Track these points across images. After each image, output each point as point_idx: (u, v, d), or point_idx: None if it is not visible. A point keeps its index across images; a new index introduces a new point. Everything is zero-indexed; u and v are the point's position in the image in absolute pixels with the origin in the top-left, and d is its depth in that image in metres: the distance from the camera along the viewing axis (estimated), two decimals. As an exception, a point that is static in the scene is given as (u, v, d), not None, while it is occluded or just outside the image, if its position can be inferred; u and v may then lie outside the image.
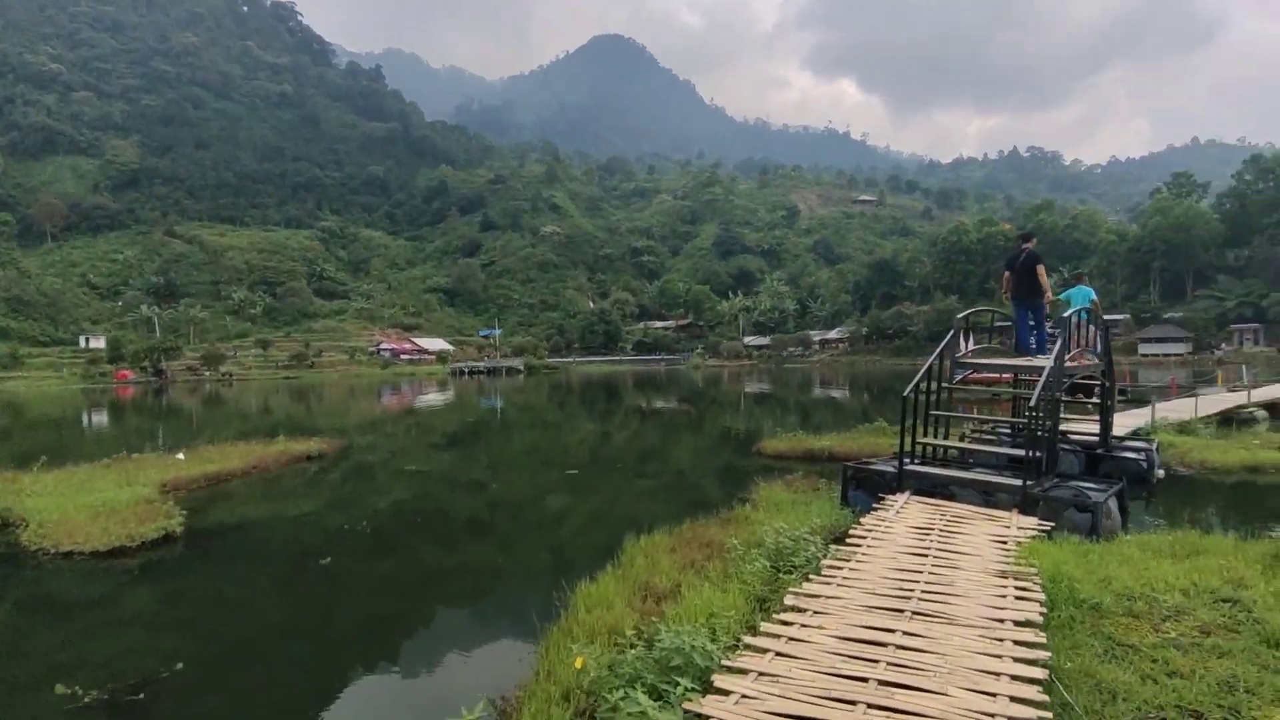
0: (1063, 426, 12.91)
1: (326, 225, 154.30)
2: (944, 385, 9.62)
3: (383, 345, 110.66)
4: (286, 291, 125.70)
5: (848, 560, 5.82)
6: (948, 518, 7.14)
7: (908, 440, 8.57)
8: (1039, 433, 7.68)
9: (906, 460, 8.53)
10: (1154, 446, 11.78)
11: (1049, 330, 10.08)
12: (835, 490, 9.05)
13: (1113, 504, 7.34)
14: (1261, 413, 19.50)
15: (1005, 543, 6.33)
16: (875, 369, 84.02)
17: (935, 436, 9.65)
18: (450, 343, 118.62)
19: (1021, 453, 8.07)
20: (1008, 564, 5.66)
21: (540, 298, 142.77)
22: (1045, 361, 8.79)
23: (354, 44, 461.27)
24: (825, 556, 5.94)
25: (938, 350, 9.37)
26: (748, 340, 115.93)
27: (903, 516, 7.26)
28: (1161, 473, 11.13)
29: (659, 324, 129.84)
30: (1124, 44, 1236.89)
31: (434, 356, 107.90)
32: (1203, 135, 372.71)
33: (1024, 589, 5.08)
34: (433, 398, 48.42)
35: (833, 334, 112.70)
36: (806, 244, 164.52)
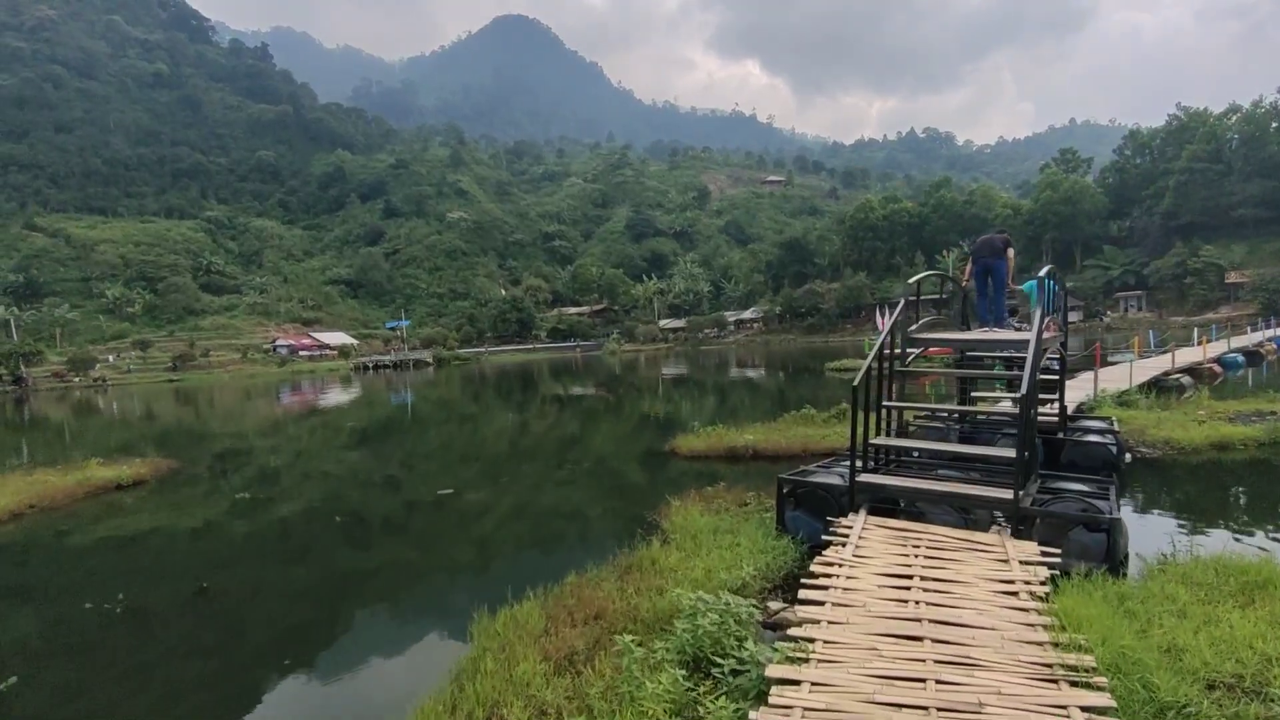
0: (1001, 406, 11.50)
1: (213, 215, 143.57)
2: (899, 370, 7.83)
3: (279, 342, 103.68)
4: (169, 287, 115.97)
5: (805, 659, 3.83)
6: (924, 552, 5.30)
7: (862, 442, 6.74)
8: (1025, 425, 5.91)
9: (859, 468, 6.75)
10: (1115, 426, 10.44)
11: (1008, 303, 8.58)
12: (768, 507, 7.10)
13: (1123, 517, 5.67)
14: (1187, 379, 18.94)
15: (1015, 593, 4.51)
16: (790, 348, 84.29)
17: (888, 433, 7.93)
18: (354, 336, 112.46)
19: (1006, 452, 6.30)
20: (1042, 643, 3.80)
21: (449, 286, 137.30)
22: (1019, 333, 7.15)
23: (237, 21, 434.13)
24: (772, 661, 3.86)
25: (888, 325, 7.56)
26: (663, 323, 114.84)
27: (865, 554, 5.38)
28: (1128, 456, 9.76)
29: (574, 310, 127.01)
30: (1006, 29, 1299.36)
31: (336, 352, 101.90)
32: (1079, 117, 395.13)
33: (1088, 702, 3.19)
34: (337, 396, 45.69)
35: (747, 314, 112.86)
36: (718, 225, 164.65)
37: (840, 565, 5.12)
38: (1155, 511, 7.84)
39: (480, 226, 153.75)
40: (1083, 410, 12.41)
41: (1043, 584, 4.68)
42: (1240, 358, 25.04)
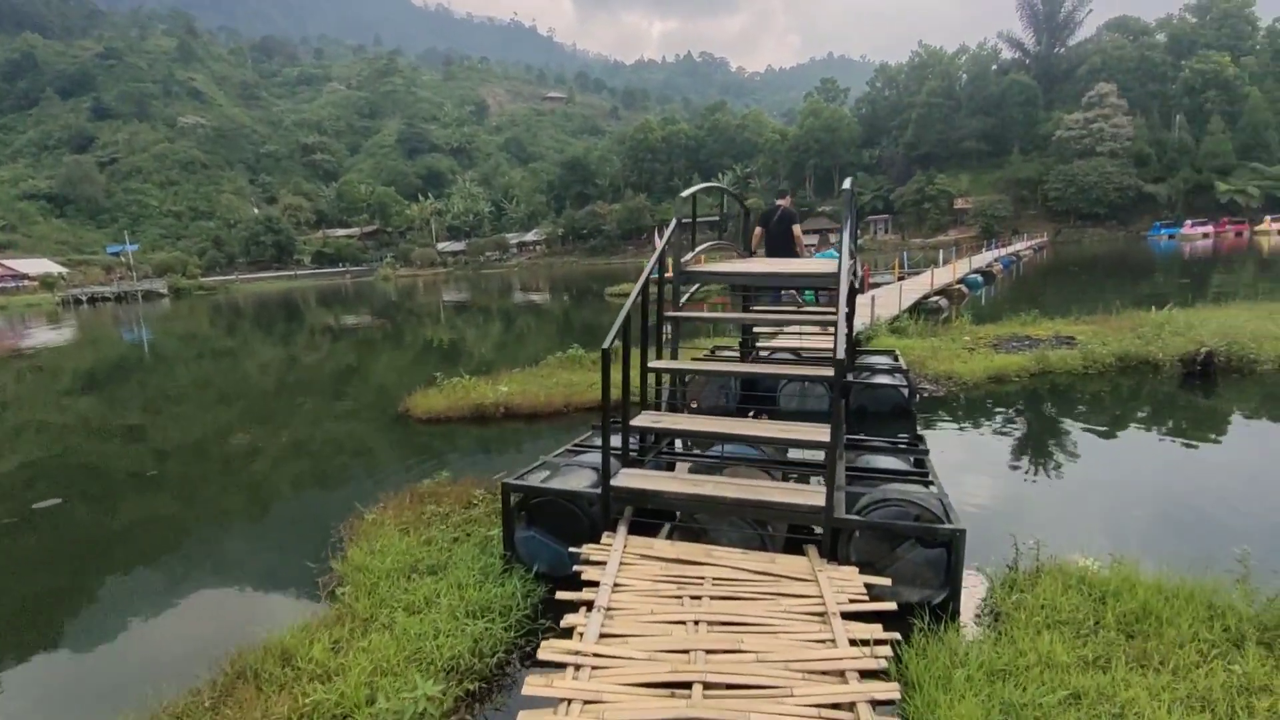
0: (776, 342, 10.43)
1: None
2: (669, 315, 6.04)
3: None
4: None
5: None
6: (706, 611, 3.54)
7: (624, 428, 4.94)
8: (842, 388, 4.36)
9: (619, 469, 4.89)
10: (901, 362, 9.66)
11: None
12: (498, 517, 5.06)
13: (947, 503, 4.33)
14: (943, 300, 19.57)
15: (841, 674, 2.92)
16: (573, 270, 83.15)
17: (658, 403, 6.19)
18: (63, 264, 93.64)
19: (810, 431, 4.70)
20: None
21: (189, 204, 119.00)
22: (822, 263, 5.68)
23: None
24: None
25: (655, 256, 5.67)
26: (442, 246, 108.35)
27: (624, 604, 3.55)
28: (917, 397, 8.97)
29: (341, 232, 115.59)
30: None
31: (37, 283, 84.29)
32: (836, 51, 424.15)
33: None
34: (46, 335, 37.67)
35: (530, 236, 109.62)
36: (498, 142, 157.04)
37: (584, 635, 3.26)
38: (960, 462, 6.93)
39: (223, 134, 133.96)
40: (860, 341, 11.70)
41: (882, 654, 3.12)
42: (980, 278, 27.12)
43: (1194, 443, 7.72)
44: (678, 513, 4.67)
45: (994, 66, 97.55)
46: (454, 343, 24.58)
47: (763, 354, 9.27)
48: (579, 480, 4.86)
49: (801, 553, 4.19)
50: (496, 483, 5.85)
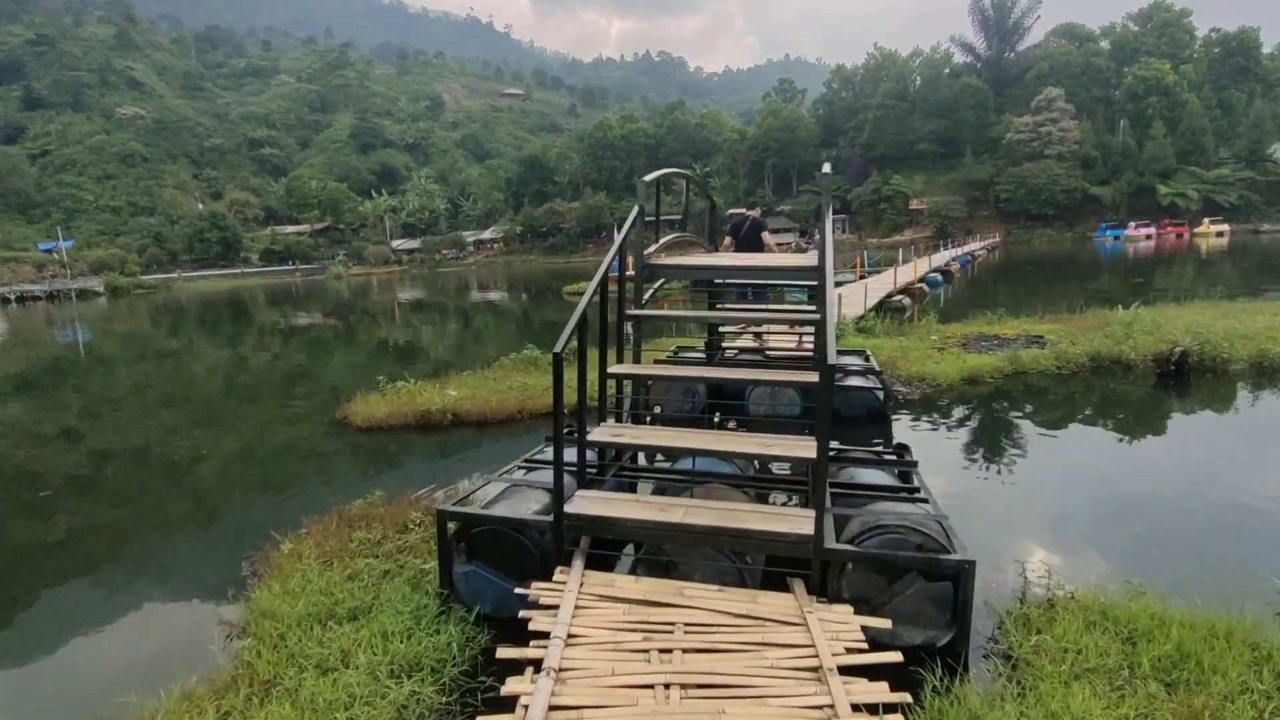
0: (743, 341, 9.97)
1: None
2: (630, 314, 5.44)
3: None
4: None
5: None
6: (677, 667, 2.96)
7: (583, 440, 4.37)
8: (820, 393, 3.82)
9: (574, 492, 4.30)
10: (874, 362, 9.21)
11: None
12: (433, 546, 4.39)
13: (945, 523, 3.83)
14: (906, 299, 19.37)
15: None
16: (532, 268, 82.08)
17: (618, 413, 5.63)
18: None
19: (793, 446, 4.14)
20: None
21: (128, 199, 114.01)
22: (797, 255, 5.18)
23: None
24: None
25: (614, 248, 5.08)
26: (396, 244, 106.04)
27: (578, 663, 2.94)
28: (892, 401, 8.52)
29: (291, 229, 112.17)
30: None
31: (-40, 281, 79.93)
32: (793, 53, 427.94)
33: None
34: None
35: (487, 234, 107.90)
36: (455, 138, 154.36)
37: (529, 708, 2.64)
38: (942, 471, 6.46)
39: (165, 126, 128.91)
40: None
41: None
42: (939, 276, 27.12)
43: (1183, 445, 7.41)
44: (643, 546, 4.07)
45: (946, 70, 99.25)
46: (408, 342, 23.95)
47: (729, 354, 8.76)
48: (528, 504, 4.23)
49: (785, 587, 3.64)
50: (433, 508, 5.20)
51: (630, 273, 5.64)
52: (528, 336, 23.36)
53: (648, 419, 6.38)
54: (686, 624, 3.28)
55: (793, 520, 3.72)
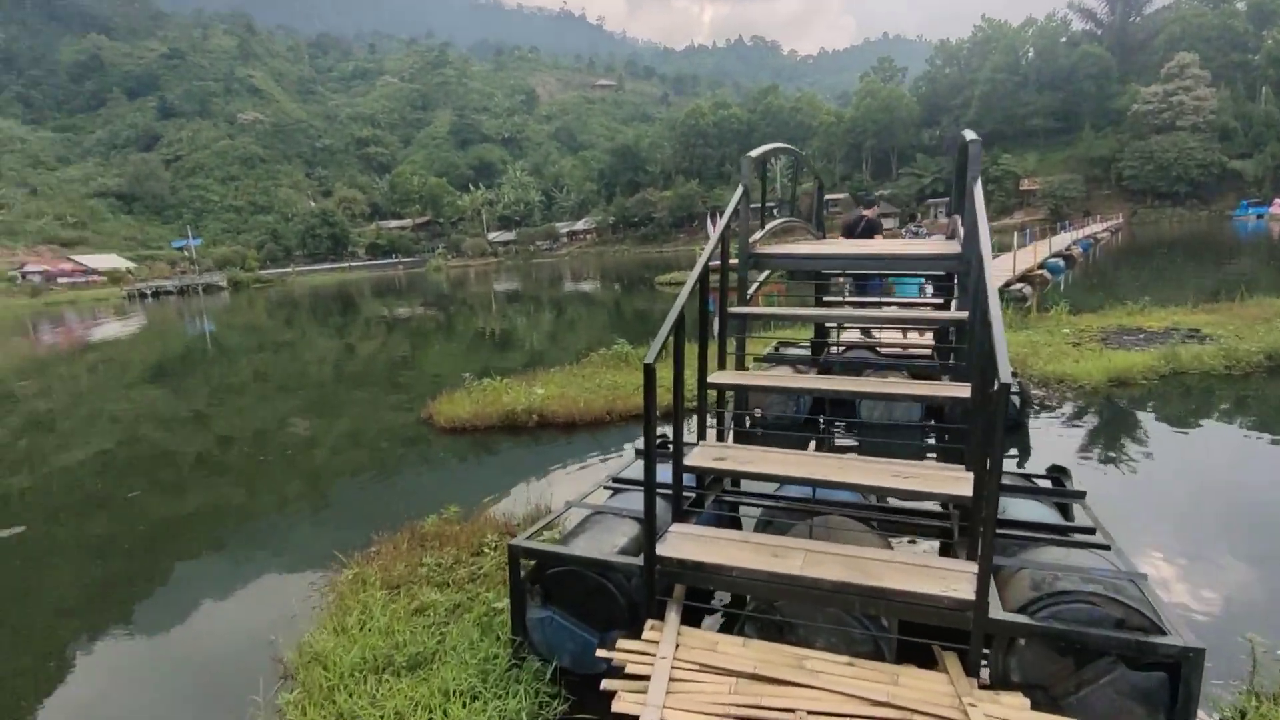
0: (847, 336, 9.05)
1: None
2: (735, 312, 4.70)
3: (28, 268, 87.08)
4: None
5: None
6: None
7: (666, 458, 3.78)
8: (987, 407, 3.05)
9: (668, 525, 3.66)
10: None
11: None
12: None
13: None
14: (1027, 287, 17.84)
15: None
16: (624, 258, 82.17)
17: (719, 430, 4.94)
18: (131, 258, 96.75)
19: (931, 478, 3.37)
20: None
21: (249, 199, 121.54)
22: (935, 244, 4.44)
23: None
24: None
25: (716, 234, 4.42)
26: (492, 236, 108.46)
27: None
28: (1029, 407, 7.47)
29: (394, 224, 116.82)
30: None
31: (105, 277, 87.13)
32: (892, 32, 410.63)
33: None
34: (114, 328, 39.00)
35: (580, 225, 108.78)
36: (548, 131, 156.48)
37: None
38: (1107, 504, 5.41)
39: (281, 129, 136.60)
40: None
41: None
42: (1061, 262, 24.99)
43: None
44: (748, 599, 3.42)
45: (1063, 39, 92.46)
46: (504, 332, 24.29)
47: (834, 350, 7.93)
48: (614, 539, 3.64)
49: (932, 661, 2.91)
50: (511, 525, 4.68)
51: (733, 261, 4.93)
52: (619, 327, 23.03)
53: (754, 427, 5.69)
54: (810, 713, 2.60)
55: (945, 578, 2.96)
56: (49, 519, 7.99)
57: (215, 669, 4.30)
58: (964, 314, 4.09)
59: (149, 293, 73.90)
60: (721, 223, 4.35)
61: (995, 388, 2.64)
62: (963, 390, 3.57)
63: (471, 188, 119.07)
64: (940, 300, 7.15)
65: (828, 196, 58.20)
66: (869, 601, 2.97)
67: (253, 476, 8.82)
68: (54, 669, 4.56)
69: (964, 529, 3.43)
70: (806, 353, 7.67)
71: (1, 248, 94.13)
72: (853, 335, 9.21)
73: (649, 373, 3.17)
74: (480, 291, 47.84)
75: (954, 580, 2.92)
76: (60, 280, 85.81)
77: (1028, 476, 4.46)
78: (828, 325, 7.99)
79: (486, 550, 4.58)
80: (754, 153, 5.21)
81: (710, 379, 4.30)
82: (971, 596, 2.75)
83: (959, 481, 3.26)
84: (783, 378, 4.48)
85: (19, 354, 28.97)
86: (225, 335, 31.69)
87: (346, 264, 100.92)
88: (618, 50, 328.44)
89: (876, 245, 5.96)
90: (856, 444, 5.88)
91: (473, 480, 7.18)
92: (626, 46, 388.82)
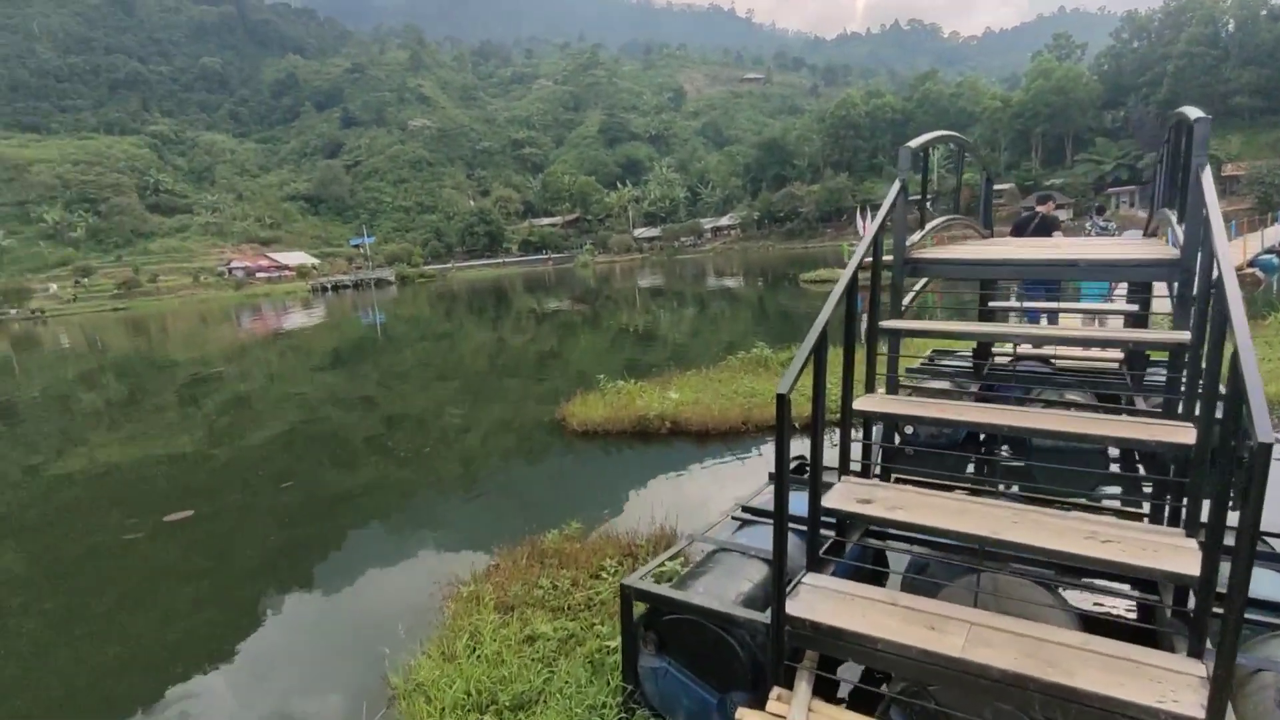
0: (1027, 349, 8.01)
1: (158, 129, 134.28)
2: (885, 328, 4.15)
3: (234, 264, 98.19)
4: (114, 209, 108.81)
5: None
6: None
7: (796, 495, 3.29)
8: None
9: (800, 573, 3.24)
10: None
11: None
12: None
13: None
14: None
15: None
16: (769, 255, 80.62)
17: (864, 465, 4.21)
18: (315, 255, 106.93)
19: (1156, 553, 2.69)
20: None
21: (416, 199, 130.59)
22: (1141, 246, 3.83)
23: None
24: None
25: (870, 233, 3.91)
26: (638, 232, 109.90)
27: None
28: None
29: (545, 221, 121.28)
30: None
31: (294, 272, 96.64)
32: (1069, 4, 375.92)
33: None
34: (300, 318, 44.35)
35: (724, 221, 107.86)
36: (695, 127, 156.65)
37: None
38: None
39: (445, 134, 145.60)
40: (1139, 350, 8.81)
41: None
42: (1275, 259, 21.58)
43: None
44: (893, 675, 2.89)
45: (1263, 11, 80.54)
46: (647, 327, 24.66)
47: (999, 360, 7.03)
48: (738, 583, 3.27)
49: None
50: (634, 546, 4.38)
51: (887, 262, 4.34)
52: (762, 325, 22.45)
53: (905, 443, 5.05)
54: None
55: (1160, 681, 2.29)
56: (244, 487, 9.05)
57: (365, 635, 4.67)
58: (1184, 335, 3.33)
59: (329, 286, 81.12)
60: (875, 223, 3.86)
61: (1249, 446, 1.98)
62: (1182, 434, 2.87)
63: (618, 185, 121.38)
64: (1135, 307, 6.14)
65: (998, 185, 54.04)
66: (1052, 703, 2.38)
67: (413, 457, 9.52)
68: (244, 622, 5.26)
69: (1180, 611, 2.74)
70: (966, 363, 6.83)
71: (213, 246, 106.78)
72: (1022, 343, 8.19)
73: (782, 404, 2.74)
74: (625, 287, 48.65)
75: (1172, 685, 2.28)
76: (258, 275, 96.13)
77: (1261, 536, 3.59)
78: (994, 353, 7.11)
79: (605, 574, 4.32)
80: (913, 143, 4.60)
81: (856, 405, 3.78)
82: (1199, 715, 2.11)
83: (1178, 553, 2.59)
84: (941, 406, 3.80)
85: (225, 340, 33.05)
86: (393, 326, 34.28)
87: (500, 260, 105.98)
88: (766, 42, 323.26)
89: (1059, 247, 5.09)
90: (1022, 464, 5.14)
91: (600, 487, 7.05)
92: (775, 38, 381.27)
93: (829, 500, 3.35)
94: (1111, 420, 3.64)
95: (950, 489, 3.83)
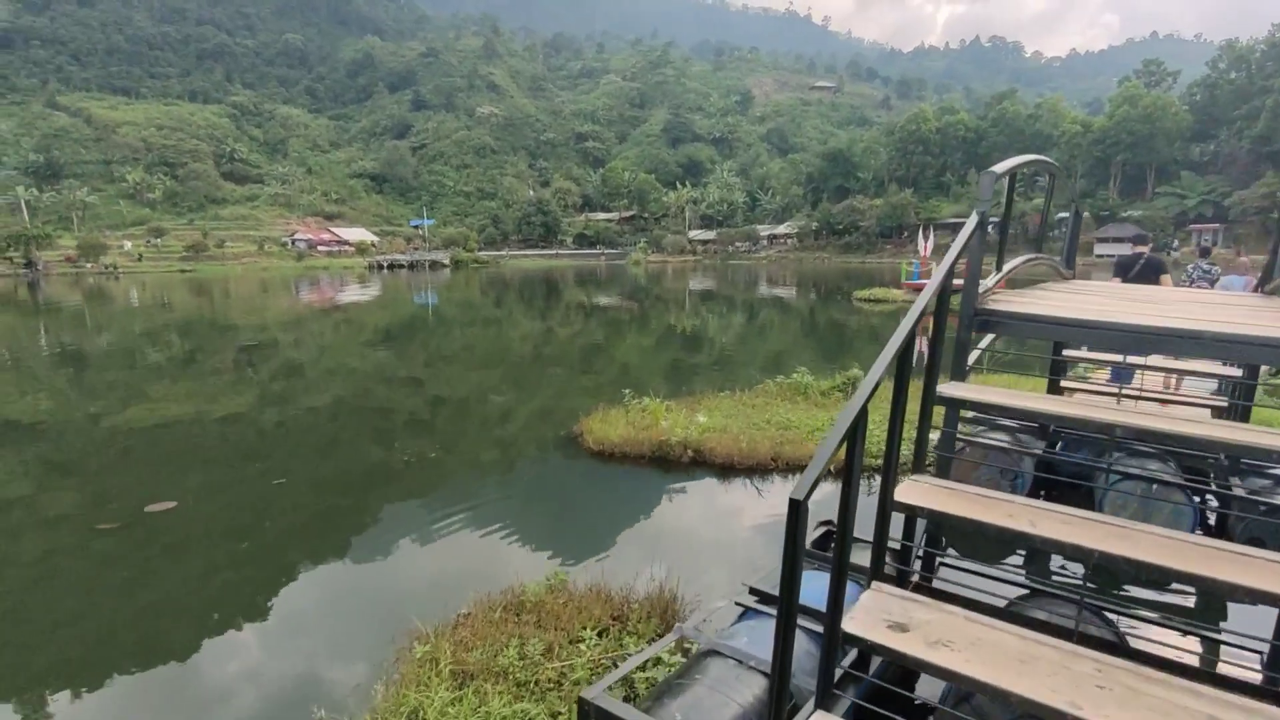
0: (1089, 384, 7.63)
1: (238, 100, 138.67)
2: (946, 397, 3.58)
3: (298, 236, 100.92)
4: (190, 174, 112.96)
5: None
6: None
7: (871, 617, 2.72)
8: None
9: (807, 706, 2.64)
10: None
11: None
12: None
13: None
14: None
15: None
16: (824, 267, 79.45)
17: (919, 566, 3.69)
18: (376, 233, 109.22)
19: None
20: None
21: (477, 185, 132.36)
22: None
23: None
24: None
25: (940, 276, 3.23)
26: (693, 234, 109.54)
27: None
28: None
29: (602, 216, 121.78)
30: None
31: (353, 248, 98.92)
32: (1163, 30, 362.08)
33: None
34: (355, 294, 45.11)
35: (781, 229, 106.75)
36: (760, 132, 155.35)
37: None
38: None
39: (511, 123, 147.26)
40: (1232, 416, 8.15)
41: None
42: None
43: None
44: None
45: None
46: (693, 330, 24.46)
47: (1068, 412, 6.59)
48: (726, 708, 2.75)
49: None
50: (626, 607, 4.32)
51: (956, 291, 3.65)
52: (810, 340, 22.08)
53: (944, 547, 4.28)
54: None
55: None
56: (291, 454, 9.33)
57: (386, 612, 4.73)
58: None
59: (386, 265, 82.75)
60: (944, 265, 3.25)
61: None
62: None
63: (678, 185, 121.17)
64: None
65: (1058, 214, 51.49)
66: None
67: (454, 439, 9.68)
68: (282, 582, 5.54)
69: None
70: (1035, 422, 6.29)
71: (280, 216, 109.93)
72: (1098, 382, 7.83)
73: (794, 510, 2.22)
74: (676, 288, 48.40)
75: None
76: (320, 248, 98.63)
77: None
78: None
79: (583, 640, 4.01)
80: (998, 168, 3.93)
81: (898, 495, 3.12)
82: None
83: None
84: (1009, 509, 3.04)
85: (284, 309, 33.89)
86: (444, 308, 34.74)
87: (554, 251, 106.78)
88: (840, 51, 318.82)
89: (1168, 306, 4.34)
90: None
91: (605, 520, 6.66)
92: (850, 47, 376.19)
93: (851, 620, 2.71)
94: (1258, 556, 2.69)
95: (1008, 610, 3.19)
